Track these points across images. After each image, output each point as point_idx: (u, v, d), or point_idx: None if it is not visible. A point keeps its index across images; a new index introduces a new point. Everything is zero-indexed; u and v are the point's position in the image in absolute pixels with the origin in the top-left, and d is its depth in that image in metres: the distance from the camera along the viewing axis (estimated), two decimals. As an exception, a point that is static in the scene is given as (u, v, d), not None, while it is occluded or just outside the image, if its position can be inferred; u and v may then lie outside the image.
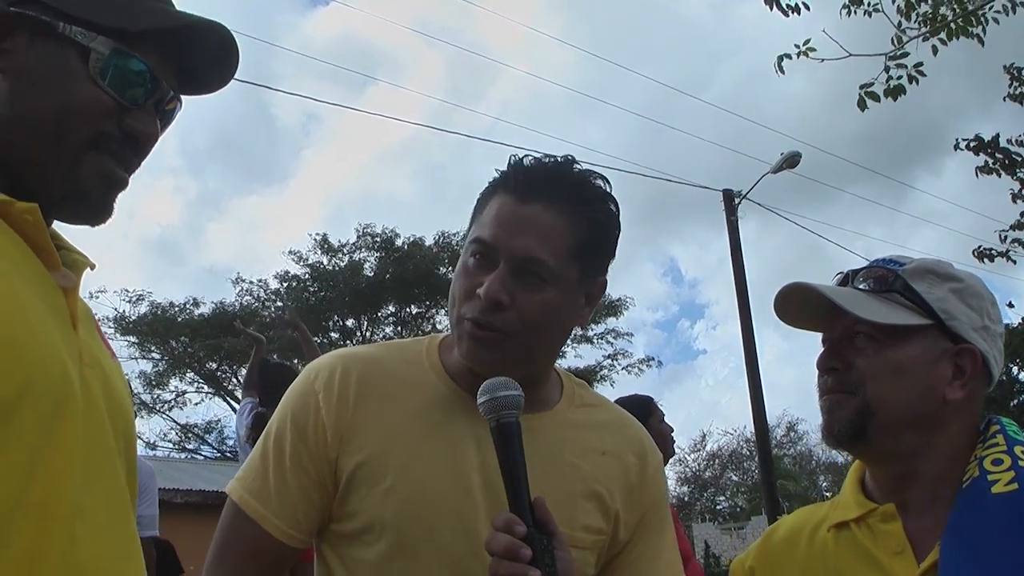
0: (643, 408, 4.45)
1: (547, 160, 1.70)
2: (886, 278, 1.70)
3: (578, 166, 1.71)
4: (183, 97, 1.34)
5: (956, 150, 9.50)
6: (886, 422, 1.62)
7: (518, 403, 1.53)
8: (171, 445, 34.53)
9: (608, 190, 1.72)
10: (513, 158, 1.71)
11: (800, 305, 1.75)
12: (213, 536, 1.72)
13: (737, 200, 19.83)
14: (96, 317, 1.36)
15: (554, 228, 1.62)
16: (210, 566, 1.70)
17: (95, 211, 1.24)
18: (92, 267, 1.30)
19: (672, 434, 4.78)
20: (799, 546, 1.77)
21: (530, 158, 1.70)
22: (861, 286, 1.72)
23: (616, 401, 2.15)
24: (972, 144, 9.44)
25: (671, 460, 5.09)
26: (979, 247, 11.06)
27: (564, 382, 1.85)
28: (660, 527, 1.84)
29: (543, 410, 1.75)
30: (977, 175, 9.33)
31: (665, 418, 4.78)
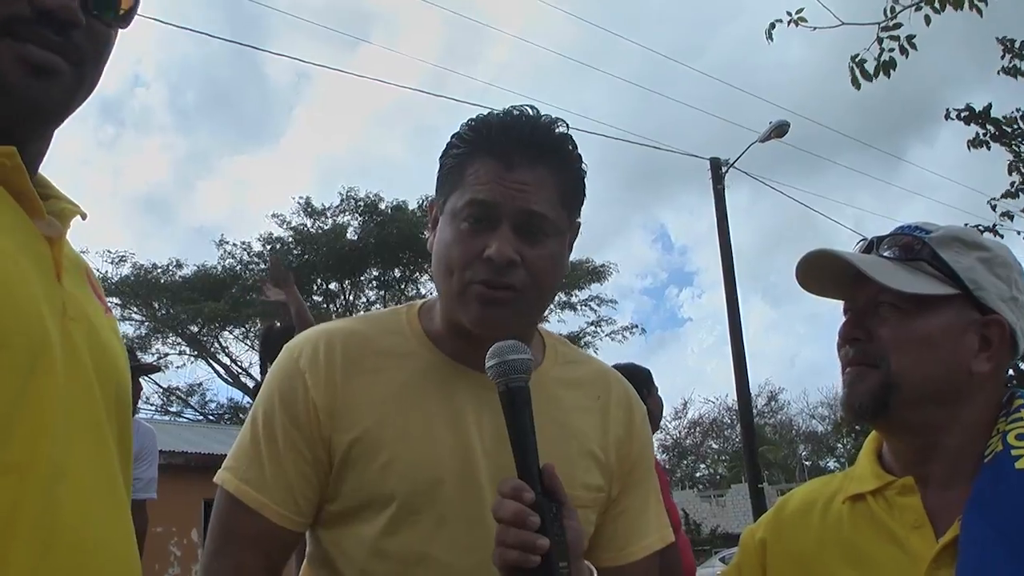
0: (643, 380, 4.40)
1: (519, 118, 1.67)
2: (912, 246, 1.65)
3: (545, 117, 1.69)
4: None
5: (947, 120, 9.42)
6: (910, 395, 1.57)
7: (528, 367, 1.49)
8: (154, 408, 34.55)
9: (569, 132, 1.72)
10: (485, 118, 1.68)
11: (823, 272, 1.70)
12: (209, 529, 1.67)
13: (724, 169, 19.79)
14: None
15: (547, 182, 1.63)
16: (211, 559, 1.65)
17: (30, 106, 1.10)
18: (84, 216, 1.22)
19: (662, 408, 4.75)
20: (812, 518, 1.73)
21: (499, 118, 1.66)
22: (886, 253, 1.67)
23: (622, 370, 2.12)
24: (963, 115, 9.35)
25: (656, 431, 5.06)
26: (966, 225, 10.88)
27: (545, 340, 1.84)
28: (647, 478, 1.84)
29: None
30: (969, 148, 9.25)
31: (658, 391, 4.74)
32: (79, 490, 1.05)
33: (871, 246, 1.70)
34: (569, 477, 1.61)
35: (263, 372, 5.97)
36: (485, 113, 1.69)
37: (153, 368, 6.87)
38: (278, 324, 5.90)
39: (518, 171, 1.61)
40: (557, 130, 1.68)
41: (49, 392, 1.03)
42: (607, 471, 1.75)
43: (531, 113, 1.68)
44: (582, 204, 1.75)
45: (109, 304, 1.31)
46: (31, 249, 1.09)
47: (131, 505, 4.03)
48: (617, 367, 1.98)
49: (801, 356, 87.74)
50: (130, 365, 4.06)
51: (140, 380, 5.08)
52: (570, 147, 1.70)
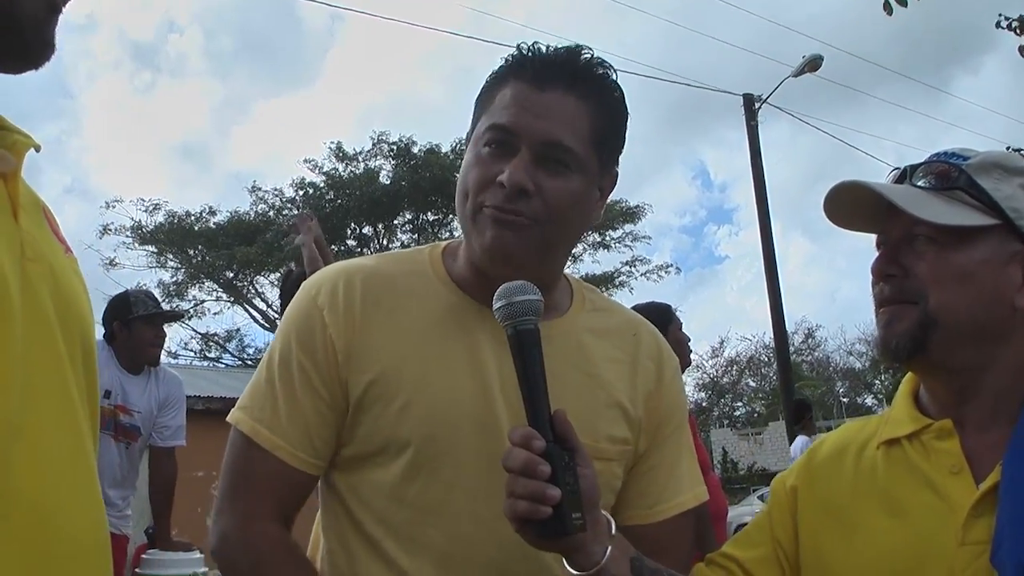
0: (662, 315, 4.36)
1: (557, 48, 1.60)
2: (948, 174, 1.54)
3: (589, 51, 1.61)
4: None
5: (998, 28, 9.17)
6: (949, 334, 1.48)
7: (537, 308, 1.42)
8: (192, 353, 35.01)
9: (616, 78, 1.64)
10: (522, 45, 1.61)
11: (853, 205, 1.60)
12: (222, 469, 1.62)
13: (757, 105, 19.54)
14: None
15: (576, 114, 1.55)
16: (223, 502, 1.60)
17: (39, 43, 1.04)
18: (37, 148, 1.13)
19: (689, 343, 4.69)
20: (845, 464, 1.64)
21: (538, 47, 1.60)
22: (920, 183, 1.56)
23: (634, 308, 2.06)
24: (1015, 24, 9.12)
25: (688, 367, 5.03)
26: (1007, 149, 10.77)
27: (574, 286, 1.77)
28: (678, 433, 1.77)
29: (555, 316, 1.65)
30: (1022, 54, 8.98)
31: (683, 327, 4.69)
32: (39, 450, 0.98)
33: (904, 175, 1.60)
34: (593, 428, 1.57)
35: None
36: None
37: (175, 315, 6.88)
38: (296, 269, 5.87)
39: (548, 94, 1.54)
40: (602, 67, 1.61)
41: (7, 343, 0.95)
42: (634, 424, 1.68)
43: (573, 46, 1.61)
44: (618, 153, 1.68)
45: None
46: None
47: (160, 452, 4.13)
48: (636, 307, 1.91)
49: (842, 291, 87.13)
50: (152, 312, 4.07)
51: (164, 327, 5.09)
52: (612, 87, 1.62)
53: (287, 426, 1.57)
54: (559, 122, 1.53)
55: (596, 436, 1.59)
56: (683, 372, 4.47)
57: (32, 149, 1.12)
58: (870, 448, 1.62)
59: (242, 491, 1.59)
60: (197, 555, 4.75)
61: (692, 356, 4.80)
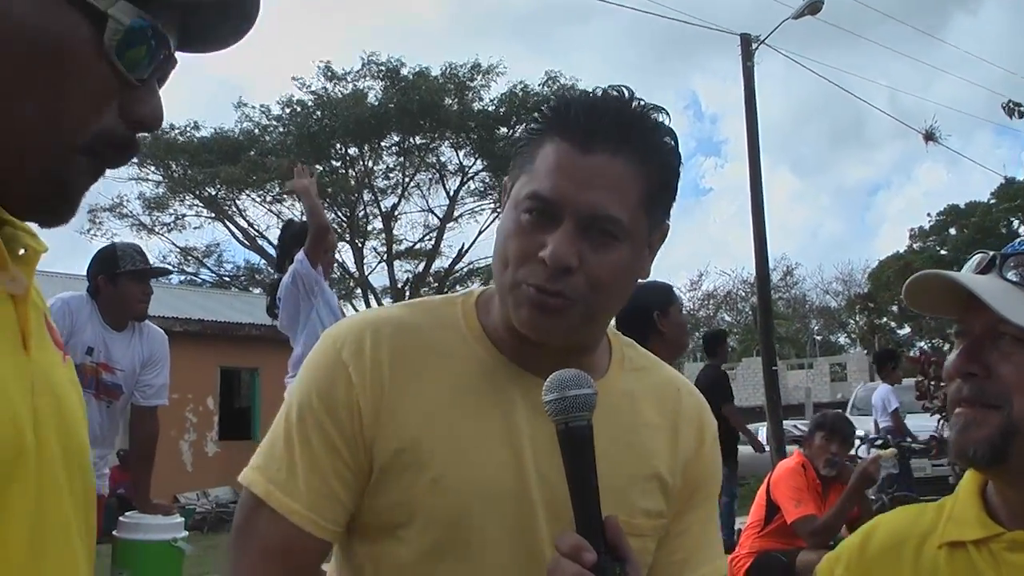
0: (664, 296, 4.18)
1: (605, 97, 1.45)
2: None
3: (640, 101, 1.46)
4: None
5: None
6: None
7: (591, 403, 1.30)
8: (170, 267, 34.83)
9: (670, 124, 1.49)
10: (566, 95, 1.47)
11: (935, 291, 1.48)
12: (231, 533, 1.50)
13: (755, 45, 19.26)
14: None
15: (624, 179, 1.40)
16: (234, 566, 1.47)
17: (63, 219, 0.94)
18: (44, 250, 0.99)
19: (687, 325, 4.55)
20: (903, 562, 1.52)
21: (585, 95, 1.46)
22: (1011, 276, 1.42)
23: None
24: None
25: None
26: (1008, 102, 10.69)
27: (613, 343, 1.64)
28: (708, 502, 1.67)
29: (594, 379, 1.50)
30: None
31: (683, 309, 4.52)
32: None
33: (993, 263, 1.46)
34: (629, 502, 1.48)
35: (279, 269, 5.74)
36: (572, 89, 1.46)
37: (163, 271, 6.71)
38: (296, 221, 5.69)
39: (595, 158, 1.39)
40: (653, 116, 1.46)
41: (20, 502, 0.85)
42: (671, 495, 1.58)
43: (624, 94, 1.45)
44: (670, 206, 1.54)
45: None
46: None
47: (142, 411, 4.13)
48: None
49: (824, 228, 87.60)
50: (140, 268, 3.98)
51: (150, 283, 4.92)
52: (666, 138, 1.47)
53: (304, 489, 1.45)
54: (606, 191, 1.39)
55: (631, 511, 1.48)
56: (681, 355, 4.38)
57: (42, 254, 0.99)
58: (930, 545, 1.51)
59: (254, 558, 1.47)
60: (177, 519, 4.64)
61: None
